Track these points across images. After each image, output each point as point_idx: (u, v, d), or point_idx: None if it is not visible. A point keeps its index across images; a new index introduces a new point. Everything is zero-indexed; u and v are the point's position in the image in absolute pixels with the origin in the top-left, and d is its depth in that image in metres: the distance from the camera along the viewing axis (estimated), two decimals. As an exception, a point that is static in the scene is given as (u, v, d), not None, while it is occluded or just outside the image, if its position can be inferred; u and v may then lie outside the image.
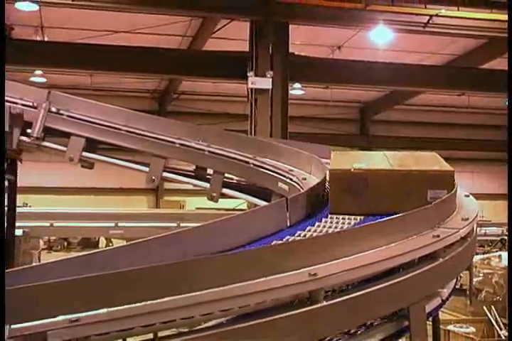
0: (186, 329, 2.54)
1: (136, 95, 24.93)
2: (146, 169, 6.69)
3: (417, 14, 14.91)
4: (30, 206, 15.86)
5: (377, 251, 2.90)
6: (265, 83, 14.53)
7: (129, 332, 2.39)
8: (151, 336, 2.54)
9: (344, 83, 19.34)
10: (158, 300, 2.34)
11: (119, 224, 11.05)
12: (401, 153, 4.75)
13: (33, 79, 20.49)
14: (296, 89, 20.97)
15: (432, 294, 3.34)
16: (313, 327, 2.66)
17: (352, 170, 3.78)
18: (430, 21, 14.84)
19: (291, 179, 5.41)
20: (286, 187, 5.49)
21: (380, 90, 24.05)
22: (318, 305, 2.65)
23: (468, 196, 4.28)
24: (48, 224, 10.93)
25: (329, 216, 3.85)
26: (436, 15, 14.67)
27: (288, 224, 3.70)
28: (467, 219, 3.65)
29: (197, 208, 19.78)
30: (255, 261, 2.54)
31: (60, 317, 2.23)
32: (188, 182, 6.82)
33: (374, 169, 3.84)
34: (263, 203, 5.93)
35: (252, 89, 14.59)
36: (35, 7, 15.47)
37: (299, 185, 5.15)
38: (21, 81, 9.63)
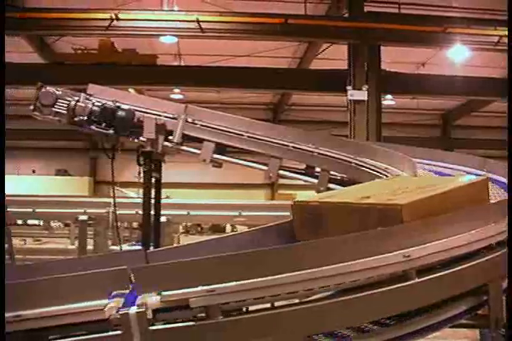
0: (297, 301, 2.53)
1: (255, 107, 25.12)
2: (265, 168, 6.73)
3: (488, 35, 14.63)
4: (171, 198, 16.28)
5: (462, 236, 2.81)
6: (362, 95, 14.47)
7: (254, 301, 2.40)
8: (268, 305, 2.54)
9: (428, 94, 18.97)
10: (279, 276, 2.34)
11: (242, 213, 11.15)
12: (415, 179, 4.02)
13: (172, 96, 21.02)
14: (388, 100, 20.66)
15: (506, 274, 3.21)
16: (407, 301, 2.60)
17: (310, 202, 3.09)
18: (500, 40, 14.47)
19: (386, 175, 5.31)
20: (382, 182, 5.40)
21: (458, 100, 23.42)
22: (412, 282, 2.59)
23: None
24: (185, 213, 11.13)
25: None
26: (505, 36, 14.23)
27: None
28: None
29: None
30: (359, 244, 2.52)
31: (199, 288, 2.26)
32: (299, 179, 6.81)
33: (329, 202, 3.06)
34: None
35: (350, 100, 14.58)
36: (174, 39, 15.94)
37: (394, 180, 5.05)
38: (164, 98, 9.87)
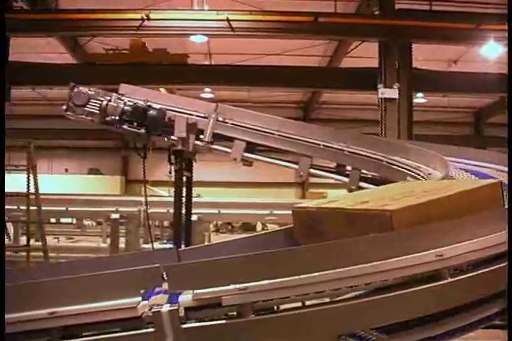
0: (328, 300, 2.52)
1: (285, 105, 25.07)
2: (296, 166, 6.71)
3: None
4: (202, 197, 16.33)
5: (493, 237, 2.76)
6: (393, 93, 14.38)
7: (285, 300, 2.40)
8: (299, 304, 2.54)
9: (460, 92, 18.78)
10: (309, 275, 2.34)
11: (273, 212, 11.15)
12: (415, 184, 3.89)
13: (203, 95, 21.08)
14: (419, 98, 20.48)
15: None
16: (439, 300, 2.58)
17: (308, 208, 3.06)
18: (534, 36, 14.18)
19: (418, 174, 5.27)
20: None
21: (491, 97, 23.11)
22: (445, 282, 2.57)
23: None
24: (216, 211, 11.18)
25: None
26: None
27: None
28: None
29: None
30: (392, 242, 2.50)
31: (231, 286, 2.27)
32: (330, 177, 6.79)
33: (325, 207, 3.00)
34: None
35: (382, 98, 14.49)
36: (205, 39, 16.00)
37: (424, 179, 5.01)
38: (194, 97, 9.91)
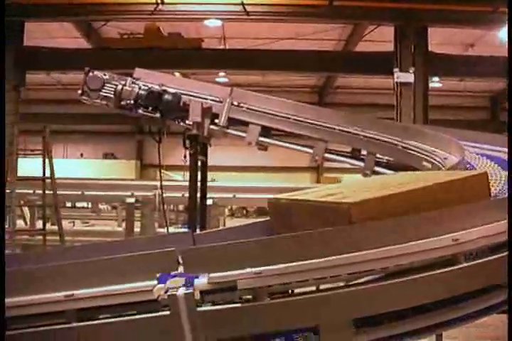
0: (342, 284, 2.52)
1: (299, 90, 24.98)
2: (311, 151, 6.70)
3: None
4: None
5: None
6: (408, 77, 14.27)
7: (300, 283, 2.40)
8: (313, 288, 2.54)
9: (476, 76, 18.55)
10: (324, 259, 2.33)
11: (288, 196, 11.15)
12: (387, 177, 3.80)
13: (217, 79, 21.04)
14: (435, 82, 20.31)
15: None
16: (453, 284, 2.56)
17: (280, 199, 3.02)
18: (553, 19, 14.00)
19: (433, 158, 5.23)
20: (429, 165, 5.33)
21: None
22: (460, 266, 2.55)
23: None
24: (231, 196, 11.20)
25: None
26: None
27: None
28: None
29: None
30: (409, 227, 2.49)
31: (247, 270, 2.27)
32: (345, 162, 6.77)
33: (294, 199, 2.94)
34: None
35: (397, 82, 14.37)
36: (219, 23, 15.95)
37: (440, 163, 4.98)
38: (209, 81, 9.89)
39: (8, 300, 2.29)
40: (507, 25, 4.48)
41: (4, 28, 3.93)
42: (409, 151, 5.89)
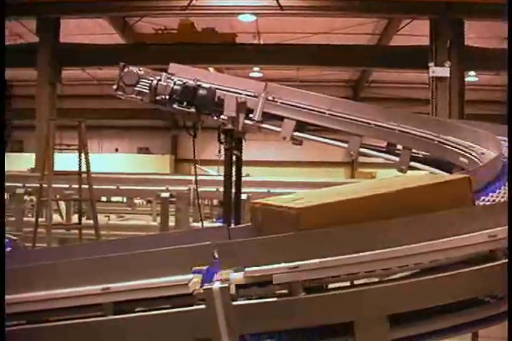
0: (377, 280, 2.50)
1: (334, 84, 24.83)
2: (346, 145, 6.65)
3: None
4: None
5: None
6: (444, 72, 14.13)
7: (335, 279, 2.39)
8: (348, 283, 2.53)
9: (513, 69, 18.24)
10: (360, 254, 2.33)
11: (322, 191, 11.09)
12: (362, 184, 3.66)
13: (252, 74, 21.04)
14: (471, 76, 20.03)
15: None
16: (491, 280, 2.52)
17: (256, 204, 3.01)
18: None
19: (470, 154, 5.15)
20: (466, 160, 5.25)
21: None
22: (499, 262, 2.51)
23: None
24: (265, 191, 11.17)
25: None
26: None
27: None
28: None
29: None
30: (446, 223, 2.46)
31: (282, 264, 2.27)
32: (380, 156, 6.70)
33: (265, 203, 2.92)
34: (445, 174, 5.70)
35: (432, 77, 14.24)
36: (253, 18, 15.94)
37: (477, 158, 4.90)
38: (243, 76, 9.89)
39: (46, 293, 2.32)
40: (507, 25, 4.38)
41: (4, 28, 3.98)
42: (445, 146, 5.81)
